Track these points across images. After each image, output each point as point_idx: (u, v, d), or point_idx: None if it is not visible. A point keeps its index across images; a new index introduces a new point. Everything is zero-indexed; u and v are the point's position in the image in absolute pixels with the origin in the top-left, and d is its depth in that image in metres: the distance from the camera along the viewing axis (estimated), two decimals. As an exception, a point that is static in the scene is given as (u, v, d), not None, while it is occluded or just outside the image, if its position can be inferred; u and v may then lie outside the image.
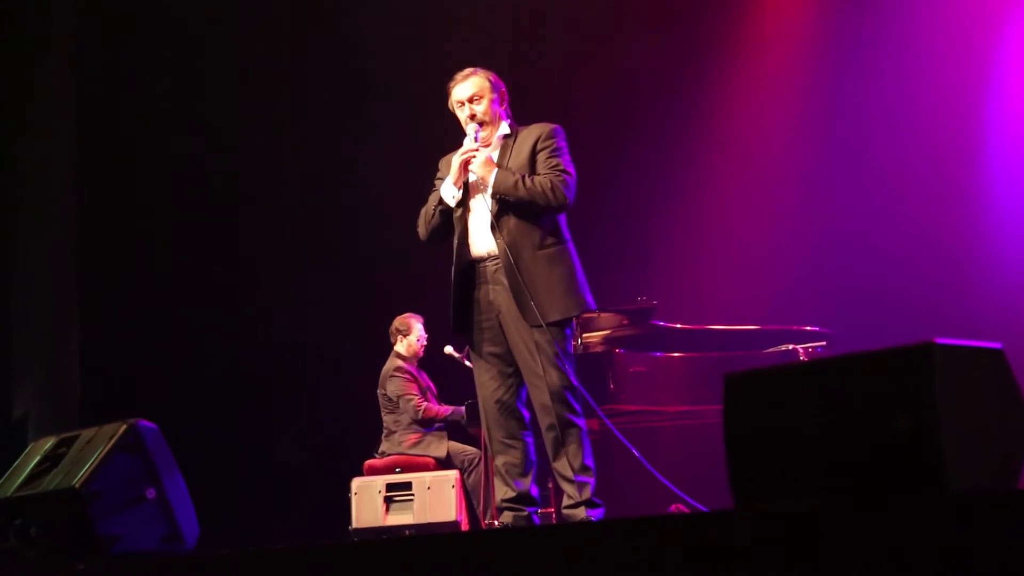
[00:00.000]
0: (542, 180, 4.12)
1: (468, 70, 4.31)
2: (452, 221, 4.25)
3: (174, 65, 8.04)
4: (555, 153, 4.20)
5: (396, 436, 7.00)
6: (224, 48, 8.17)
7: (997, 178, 7.27)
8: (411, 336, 7.20)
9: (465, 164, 4.16)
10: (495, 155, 4.26)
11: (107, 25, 7.84)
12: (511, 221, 4.14)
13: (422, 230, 4.35)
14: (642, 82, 8.02)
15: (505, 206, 4.14)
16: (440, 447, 6.90)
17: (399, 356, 7.18)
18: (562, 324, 4.14)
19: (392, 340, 7.25)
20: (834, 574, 2.06)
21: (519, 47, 7.81)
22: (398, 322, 7.24)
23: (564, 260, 4.17)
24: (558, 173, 4.14)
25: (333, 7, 8.39)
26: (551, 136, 4.23)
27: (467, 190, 4.22)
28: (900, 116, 7.41)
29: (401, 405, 6.98)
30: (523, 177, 4.12)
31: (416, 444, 6.93)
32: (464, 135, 4.27)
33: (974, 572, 1.91)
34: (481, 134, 4.23)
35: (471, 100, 4.26)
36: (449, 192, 4.20)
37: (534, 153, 4.20)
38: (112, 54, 7.85)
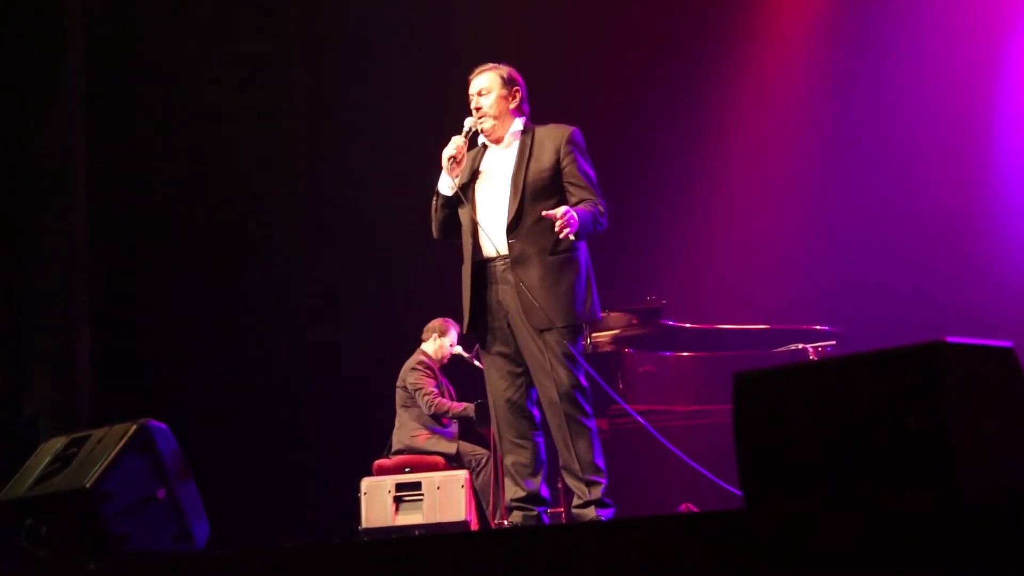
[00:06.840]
0: (591, 209, 4.13)
1: (486, 65, 4.37)
2: (456, 213, 4.30)
3: (185, 66, 8.04)
4: (580, 169, 4.23)
5: (407, 429, 7.00)
6: (236, 43, 8.18)
7: (1009, 176, 7.23)
8: (445, 339, 7.18)
9: (451, 158, 4.21)
10: (511, 151, 4.29)
11: (118, 21, 7.85)
12: (526, 224, 4.16)
13: (433, 227, 4.40)
14: (651, 78, 7.99)
15: (521, 209, 4.16)
16: (451, 444, 6.89)
17: (424, 354, 7.17)
18: (570, 327, 4.15)
19: (424, 337, 7.22)
20: (845, 573, 2.06)
21: (525, 46, 7.79)
22: (436, 322, 7.21)
23: (573, 267, 4.18)
24: (591, 192, 4.20)
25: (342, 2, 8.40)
26: (571, 142, 4.25)
27: (474, 189, 4.26)
28: (912, 112, 7.37)
29: (416, 398, 6.99)
30: (588, 214, 4.10)
31: (427, 439, 6.93)
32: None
33: (986, 570, 1.90)
34: (483, 125, 4.28)
35: (479, 94, 4.31)
36: (445, 183, 4.26)
37: (558, 160, 4.22)
38: (123, 54, 7.86)
